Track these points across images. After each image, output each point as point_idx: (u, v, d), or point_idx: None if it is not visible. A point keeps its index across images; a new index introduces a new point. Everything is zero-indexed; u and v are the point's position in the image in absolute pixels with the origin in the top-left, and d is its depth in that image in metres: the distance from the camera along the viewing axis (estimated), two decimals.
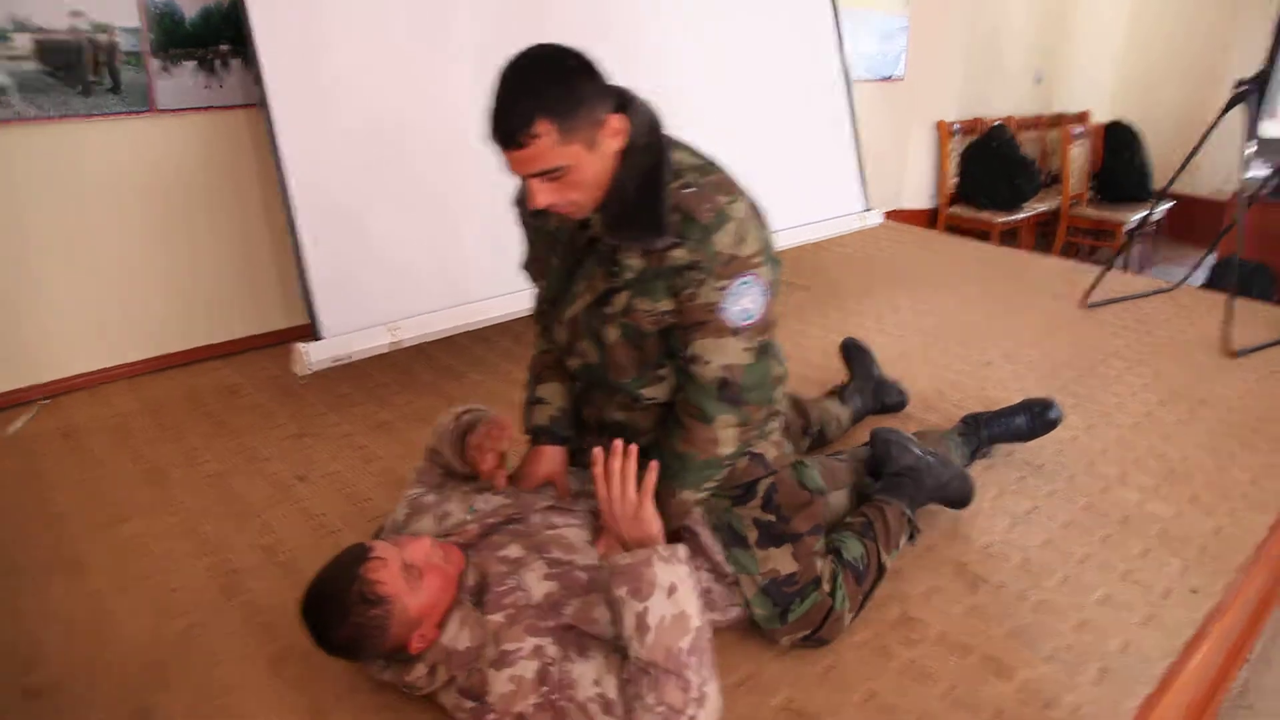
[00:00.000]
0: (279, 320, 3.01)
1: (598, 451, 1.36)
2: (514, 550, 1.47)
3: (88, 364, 2.69)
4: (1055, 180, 5.72)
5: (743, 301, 1.39)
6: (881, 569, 1.73)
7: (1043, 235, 5.63)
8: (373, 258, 2.43)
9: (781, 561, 1.58)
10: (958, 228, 5.23)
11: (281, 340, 2.94)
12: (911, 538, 1.85)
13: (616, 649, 1.34)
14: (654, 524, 1.36)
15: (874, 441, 1.99)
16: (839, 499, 1.90)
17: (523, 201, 1.57)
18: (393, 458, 2.28)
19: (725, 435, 1.47)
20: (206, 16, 2.62)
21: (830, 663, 1.59)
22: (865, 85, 4.77)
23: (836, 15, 3.63)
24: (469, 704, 1.34)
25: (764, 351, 1.47)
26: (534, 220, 1.57)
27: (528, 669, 1.32)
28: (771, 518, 1.60)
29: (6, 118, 2.37)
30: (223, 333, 2.93)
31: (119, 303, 2.70)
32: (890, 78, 5.01)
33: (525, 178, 1.32)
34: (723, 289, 1.38)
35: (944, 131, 5.27)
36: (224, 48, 2.67)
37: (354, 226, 2.40)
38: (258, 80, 2.27)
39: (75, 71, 2.44)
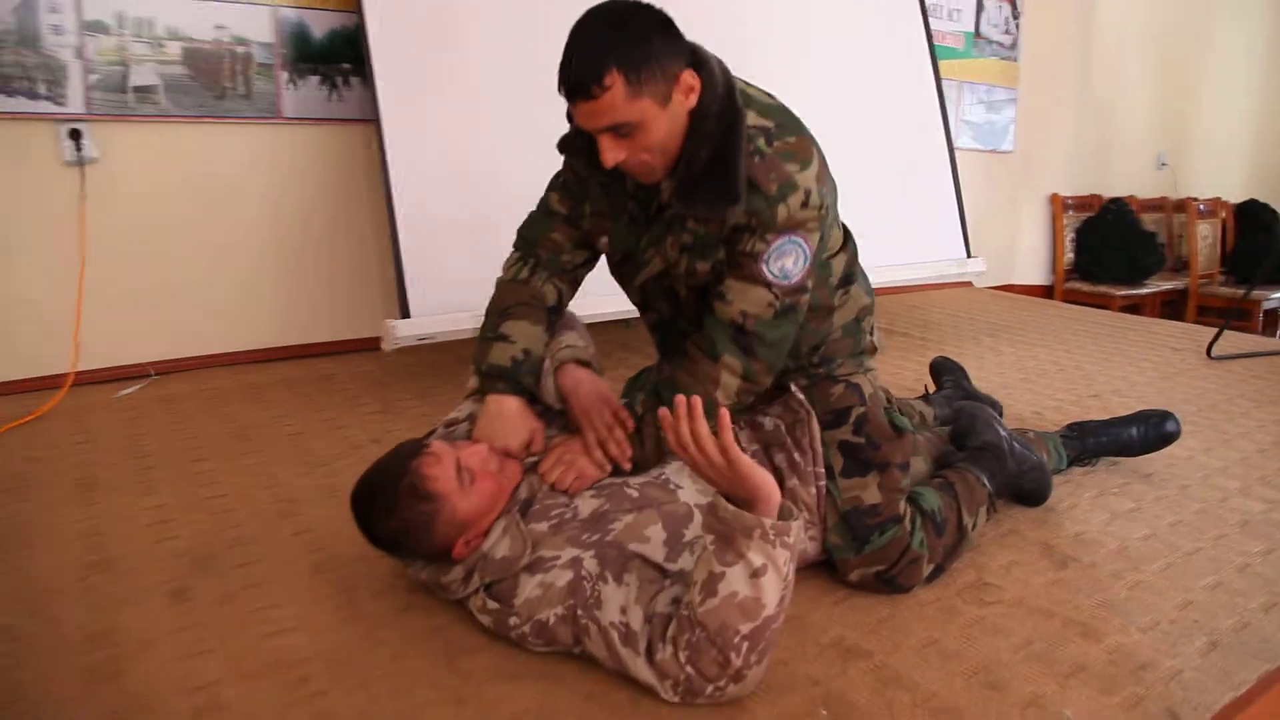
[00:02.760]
0: (380, 327, 3.11)
1: (664, 414, 1.17)
2: None
3: (198, 349, 2.86)
4: (1183, 266, 5.43)
5: (784, 260, 1.36)
6: (962, 530, 1.60)
7: (1168, 318, 5.31)
8: (464, 259, 2.50)
9: (866, 491, 1.51)
10: (1074, 303, 5.00)
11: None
12: (991, 511, 1.71)
13: (654, 578, 1.26)
14: (762, 481, 1.15)
15: (958, 413, 1.89)
16: (918, 465, 1.77)
17: (571, 151, 1.50)
18: None
19: (726, 380, 1.41)
20: (333, 37, 2.87)
21: (887, 614, 1.46)
22: (973, 155, 4.73)
23: (934, 61, 3.65)
24: (494, 605, 1.29)
25: (787, 315, 1.40)
26: (608, 180, 1.48)
27: (560, 577, 1.26)
28: (861, 441, 1.53)
29: (155, 114, 2.63)
30: (325, 333, 3.06)
31: (233, 295, 2.88)
32: (998, 149, 4.95)
33: (595, 133, 1.29)
34: (768, 242, 1.35)
35: (1058, 205, 5.13)
36: (346, 66, 2.90)
37: (449, 231, 2.52)
38: (373, 97, 2.45)
39: (214, 77, 2.70)
